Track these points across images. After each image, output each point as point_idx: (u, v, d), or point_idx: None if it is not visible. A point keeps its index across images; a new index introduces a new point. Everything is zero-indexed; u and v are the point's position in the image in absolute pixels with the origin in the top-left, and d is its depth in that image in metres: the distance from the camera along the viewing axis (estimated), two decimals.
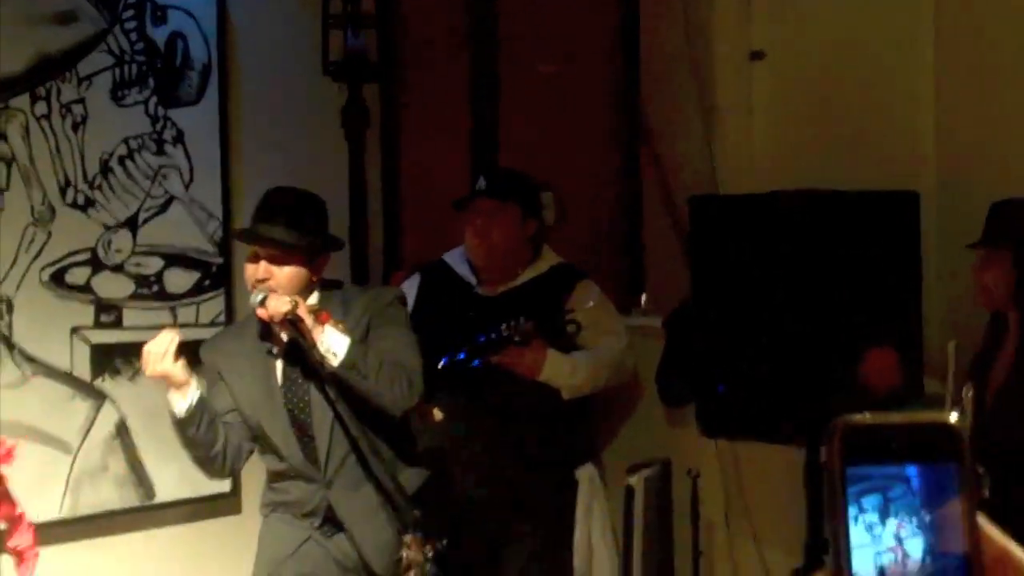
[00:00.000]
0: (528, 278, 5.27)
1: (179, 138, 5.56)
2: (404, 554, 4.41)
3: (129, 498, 5.39)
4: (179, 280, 5.52)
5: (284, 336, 4.35)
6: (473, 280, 5.29)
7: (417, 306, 5.29)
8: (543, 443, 5.18)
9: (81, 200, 5.25)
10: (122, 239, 5.40)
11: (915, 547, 0.91)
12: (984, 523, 0.92)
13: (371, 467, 4.44)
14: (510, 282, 5.25)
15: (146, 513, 5.47)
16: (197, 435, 4.30)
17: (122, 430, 5.36)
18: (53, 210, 5.17)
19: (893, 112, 4.99)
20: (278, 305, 4.20)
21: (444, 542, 4.54)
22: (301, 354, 4.34)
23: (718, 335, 4.81)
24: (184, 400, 4.25)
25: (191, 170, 5.59)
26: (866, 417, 0.92)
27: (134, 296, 5.42)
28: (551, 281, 5.25)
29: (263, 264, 4.30)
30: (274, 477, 4.55)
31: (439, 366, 4.98)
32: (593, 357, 5.16)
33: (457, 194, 5.32)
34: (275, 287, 4.28)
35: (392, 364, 4.34)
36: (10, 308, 5.05)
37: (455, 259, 5.37)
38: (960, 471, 0.92)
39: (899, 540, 0.91)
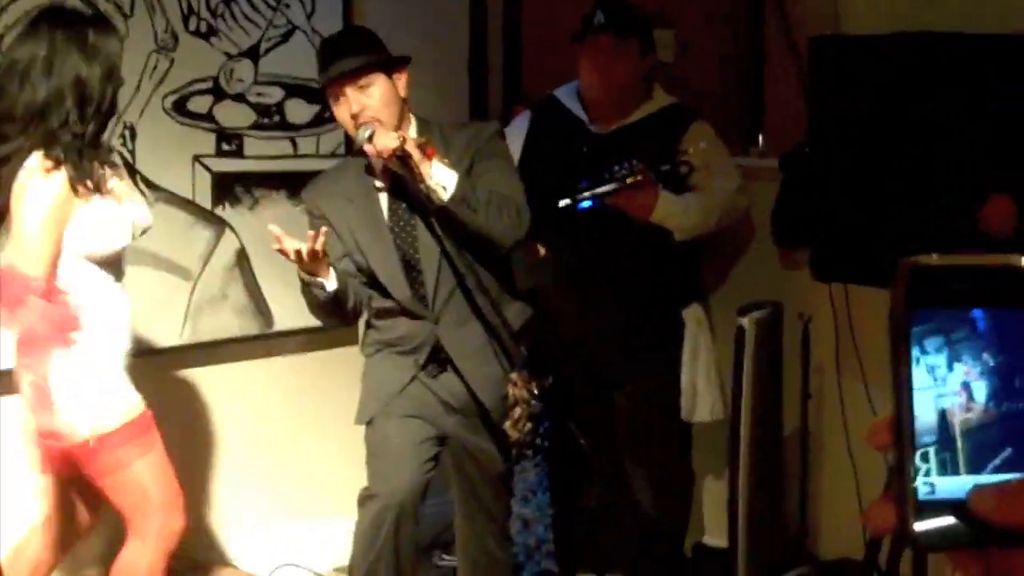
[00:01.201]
0: (641, 116, 5.22)
1: None
2: (511, 391, 4.47)
3: (248, 326, 5.50)
4: (300, 111, 5.56)
5: (390, 172, 4.39)
6: (585, 117, 5.25)
7: (528, 143, 5.29)
8: (652, 283, 5.19)
9: (204, 28, 5.27)
10: (244, 68, 5.44)
11: (979, 391, 0.91)
12: None
13: (477, 303, 4.48)
14: (623, 119, 5.21)
15: (265, 341, 5.58)
16: (341, 304, 4.37)
17: (242, 258, 5.44)
18: (176, 37, 5.20)
19: None
20: (386, 141, 4.21)
21: (550, 380, 4.60)
22: (407, 190, 4.39)
23: (835, 177, 4.76)
24: (331, 279, 4.29)
25: (313, 0, 5.59)
26: (933, 258, 0.91)
27: (255, 126, 5.47)
28: (664, 120, 5.21)
29: (351, 97, 4.31)
30: (379, 315, 4.59)
31: (561, 204, 4.97)
32: (705, 198, 5.14)
33: (579, 28, 5.27)
34: (374, 116, 4.31)
35: (500, 196, 4.37)
36: (133, 135, 5.10)
37: (566, 95, 5.32)
38: None
39: (964, 384, 0.91)
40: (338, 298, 4.34)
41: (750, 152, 5.75)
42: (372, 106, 4.33)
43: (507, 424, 4.59)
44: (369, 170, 4.44)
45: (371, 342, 4.66)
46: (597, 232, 5.07)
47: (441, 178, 4.25)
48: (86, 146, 3.98)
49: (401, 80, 4.44)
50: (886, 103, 4.57)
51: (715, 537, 5.65)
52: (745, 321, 4.97)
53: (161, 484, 4.19)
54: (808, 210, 4.94)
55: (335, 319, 4.53)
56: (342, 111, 4.37)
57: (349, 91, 4.33)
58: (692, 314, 5.31)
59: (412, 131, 4.42)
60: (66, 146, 3.93)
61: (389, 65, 4.43)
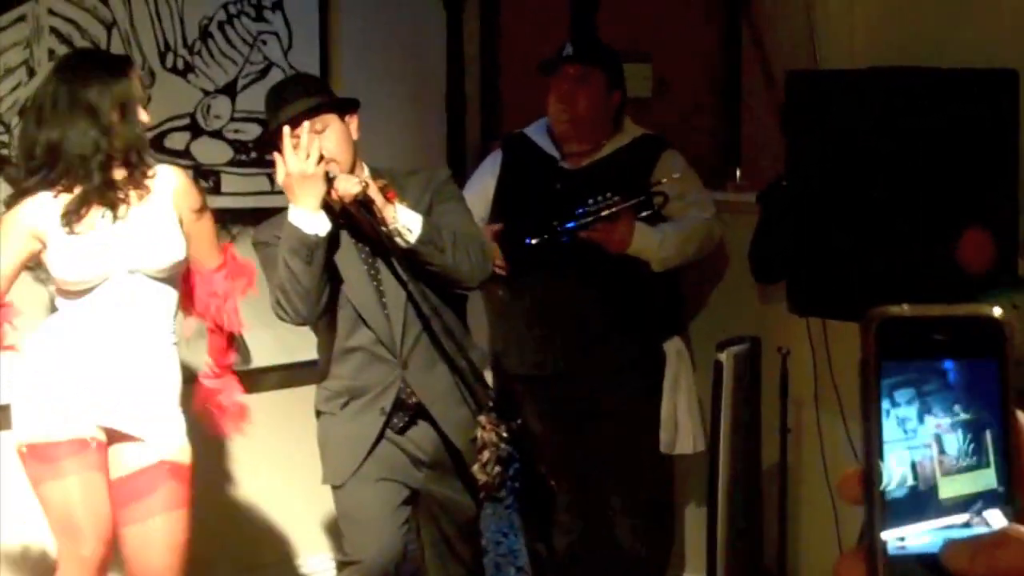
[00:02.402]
0: (612, 150, 5.24)
1: (278, 4, 5.57)
2: (479, 434, 4.46)
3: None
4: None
5: (346, 215, 4.35)
6: (557, 153, 5.27)
7: (501, 181, 5.31)
8: (631, 316, 5.20)
9: (180, 65, 5.29)
10: (221, 105, 5.44)
11: (950, 444, 0.90)
12: None
13: (444, 346, 4.46)
14: (594, 154, 5.23)
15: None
16: (321, 260, 4.22)
17: None
18: (153, 75, 5.21)
19: None
20: (348, 186, 4.20)
21: (518, 422, 4.58)
22: (364, 234, 4.37)
23: (812, 211, 4.77)
24: (326, 221, 4.22)
25: (290, 36, 5.60)
26: (904, 308, 0.90)
27: (232, 162, 5.48)
28: (636, 152, 5.23)
29: (307, 138, 4.22)
30: (342, 357, 4.47)
31: (527, 243, 4.99)
32: (682, 228, 5.16)
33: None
34: (330, 157, 4.27)
35: (464, 236, 4.37)
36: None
37: (536, 132, 5.34)
38: (1001, 367, 0.90)
39: (935, 436, 0.90)
40: (322, 246, 4.23)
41: (727, 186, 5.76)
42: (329, 148, 4.27)
43: (475, 467, 4.58)
44: (327, 211, 4.32)
45: (330, 395, 4.53)
46: (574, 266, 5.07)
47: (406, 220, 4.23)
48: (96, 185, 4.19)
49: (353, 123, 4.41)
50: (862, 137, 4.58)
51: (695, 572, 5.63)
52: (723, 356, 4.97)
53: (57, 513, 4.29)
54: (786, 244, 4.94)
55: (313, 285, 4.25)
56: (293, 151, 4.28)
57: (306, 133, 4.28)
58: (672, 346, 5.31)
59: (365, 175, 4.37)
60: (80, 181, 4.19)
61: (343, 107, 4.40)
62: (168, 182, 4.33)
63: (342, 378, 4.50)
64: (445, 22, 6.07)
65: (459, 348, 4.46)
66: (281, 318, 4.34)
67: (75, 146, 4.17)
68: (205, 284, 4.47)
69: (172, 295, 4.35)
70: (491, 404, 4.51)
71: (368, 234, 4.34)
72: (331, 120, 4.32)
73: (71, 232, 4.19)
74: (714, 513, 5.01)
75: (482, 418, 4.43)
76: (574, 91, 5.16)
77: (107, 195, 4.21)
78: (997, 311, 0.90)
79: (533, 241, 5.01)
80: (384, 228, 4.22)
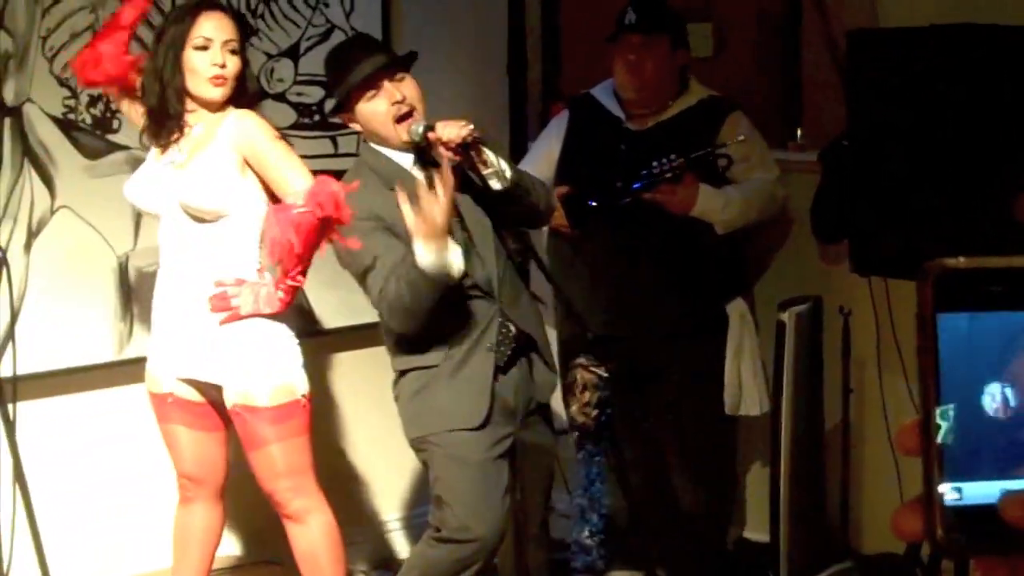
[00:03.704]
0: (678, 111, 5.23)
1: None
2: (579, 375, 4.44)
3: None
4: None
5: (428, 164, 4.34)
6: (622, 114, 5.26)
7: (567, 142, 5.31)
8: (694, 278, 5.20)
9: None
10: (284, 68, 5.47)
11: (1009, 396, 0.90)
12: None
13: (519, 282, 4.49)
14: (660, 115, 5.22)
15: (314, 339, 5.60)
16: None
17: None
18: None
19: None
20: (453, 132, 4.17)
21: (612, 366, 4.56)
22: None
23: (873, 170, 4.75)
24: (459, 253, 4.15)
25: None
26: (960, 261, 0.90)
27: (296, 125, 5.49)
28: (701, 113, 5.21)
29: (389, 88, 4.30)
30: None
31: (591, 204, 5.00)
32: (745, 191, 5.15)
33: (613, 27, 5.27)
34: (413, 104, 4.32)
35: (534, 177, 4.44)
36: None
37: (602, 93, 5.33)
38: None
39: (992, 388, 0.90)
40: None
41: (788, 146, 5.74)
42: (412, 96, 4.33)
43: (574, 408, 4.55)
44: (421, 160, 4.35)
45: (424, 348, 4.38)
46: (639, 227, 5.07)
47: (499, 162, 4.24)
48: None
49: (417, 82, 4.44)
50: (924, 96, 4.56)
51: (757, 532, 5.64)
52: (785, 316, 4.96)
53: None
54: (847, 204, 4.93)
55: (430, 314, 4.22)
56: (378, 104, 4.32)
57: (387, 84, 4.33)
58: (736, 308, 5.31)
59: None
60: None
61: (409, 63, 4.44)
62: (229, 126, 4.36)
63: (437, 327, 4.34)
64: None
65: (527, 284, 4.48)
66: (390, 329, 4.39)
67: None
68: (278, 212, 4.25)
69: (240, 238, 4.35)
70: (589, 345, 4.47)
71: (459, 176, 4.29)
72: (406, 74, 4.37)
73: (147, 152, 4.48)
74: (777, 473, 5.01)
75: (582, 359, 4.39)
76: (640, 60, 5.14)
77: (159, 130, 4.38)
78: None
79: (595, 203, 5.01)
80: (484, 171, 4.22)
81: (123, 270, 5.11)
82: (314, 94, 5.50)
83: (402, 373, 4.49)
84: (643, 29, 5.13)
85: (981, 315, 0.90)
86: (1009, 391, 0.90)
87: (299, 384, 4.44)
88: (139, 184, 4.44)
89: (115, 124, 5.06)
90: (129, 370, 5.07)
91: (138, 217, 5.02)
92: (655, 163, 4.94)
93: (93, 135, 5.04)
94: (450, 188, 4.03)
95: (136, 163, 4.82)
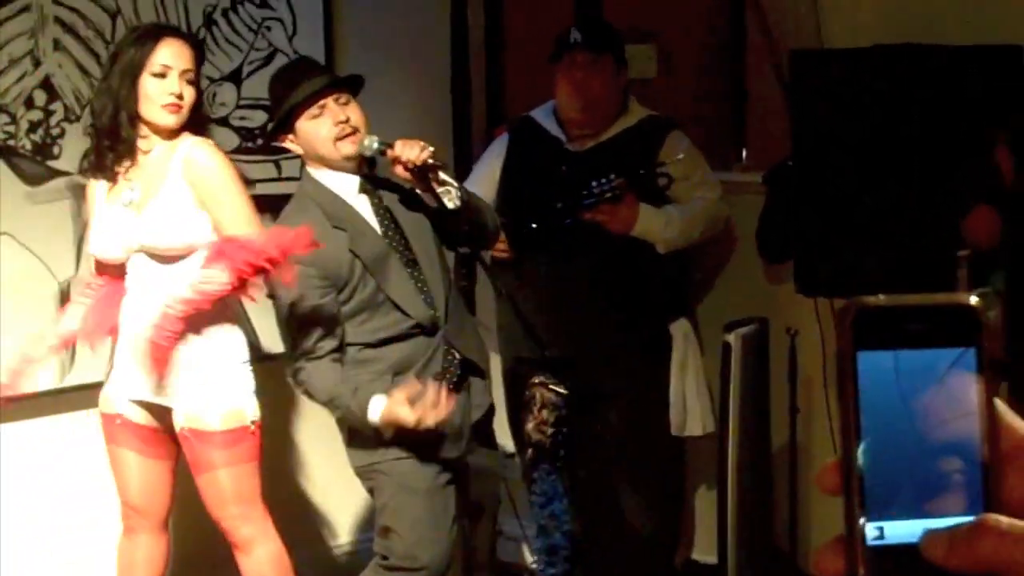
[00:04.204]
0: (618, 131, 5.23)
1: None
2: (537, 393, 4.43)
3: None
4: None
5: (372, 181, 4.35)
6: (562, 136, 5.25)
7: (507, 164, 5.30)
8: (636, 299, 5.20)
9: None
10: (227, 92, 5.44)
11: (928, 433, 0.89)
12: (1004, 409, 0.90)
13: (462, 304, 4.50)
14: (600, 136, 5.22)
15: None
16: None
17: None
18: None
19: None
20: (412, 152, 4.18)
21: (569, 384, 4.55)
22: (399, 199, 4.38)
23: (818, 191, 4.77)
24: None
25: (294, 22, 5.59)
26: (880, 299, 0.89)
27: (239, 149, 5.46)
28: (641, 133, 5.22)
29: (334, 109, 4.30)
30: (381, 346, 4.36)
31: (532, 226, 5.00)
32: (687, 210, 5.15)
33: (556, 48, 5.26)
34: (358, 126, 4.32)
35: (478, 197, 4.46)
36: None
37: (542, 115, 5.33)
38: (979, 355, 0.90)
39: (913, 426, 0.90)
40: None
41: (734, 167, 5.75)
42: (357, 119, 4.32)
43: (530, 426, 4.54)
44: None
45: (372, 376, 4.32)
46: (580, 249, 5.06)
47: (452, 182, 4.24)
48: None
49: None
50: (868, 116, 4.58)
51: (705, 553, 5.64)
52: (731, 337, 4.96)
53: None
54: (792, 224, 4.94)
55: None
56: (321, 124, 4.30)
57: (332, 104, 4.31)
58: (679, 328, 5.32)
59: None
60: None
61: (355, 85, 4.44)
62: (181, 157, 4.32)
63: (382, 360, 4.35)
64: (449, 6, 6.06)
65: (468, 305, 4.52)
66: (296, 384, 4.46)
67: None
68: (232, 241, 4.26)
69: (200, 260, 4.31)
70: (546, 363, 4.48)
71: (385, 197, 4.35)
72: (348, 96, 4.36)
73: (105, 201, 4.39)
74: (724, 494, 5.01)
75: (540, 377, 4.39)
76: (586, 79, 5.13)
77: (107, 156, 4.33)
78: (974, 299, 0.90)
79: (535, 226, 5.01)
80: (439, 189, 4.21)
81: (64, 296, 5.06)
82: (257, 118, 5.48)
83: None
84: (590, 47, 5.12)
85: (901, 353, 0.89)
86: (930, 429, 0.89)
87: (249, 410, 4.43)
88: (102, 236, 4.40)
89: (55, 150, 5.02)
90: (71, 397, 5.03)
91: (79, 243, 4.98)
92: (595, 183, 4.94)
93: (33, 161, 4.99)
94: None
95: (77, 189, 4.79)
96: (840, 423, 0.90)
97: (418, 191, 4.33)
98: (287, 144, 4.43)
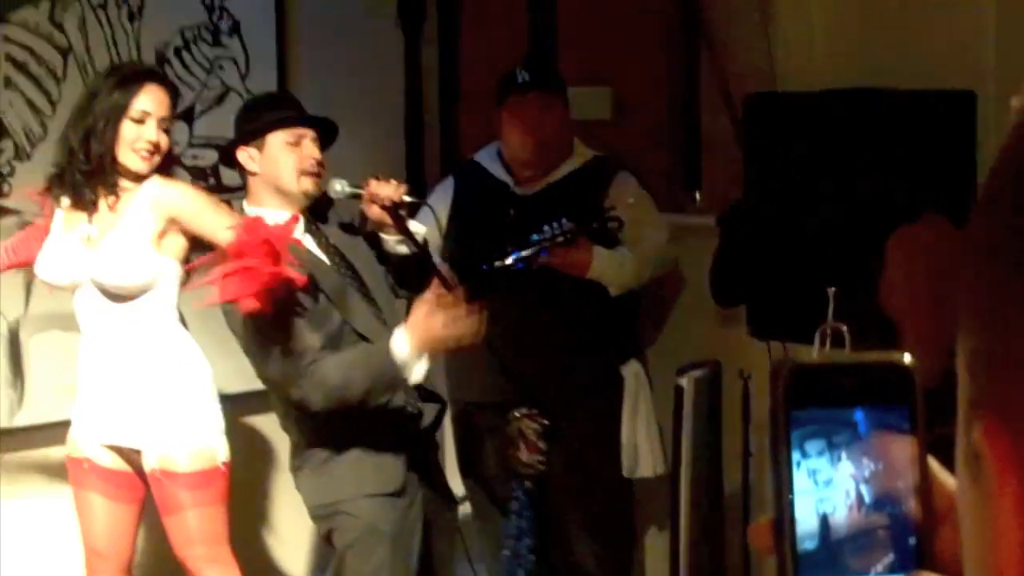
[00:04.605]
0: (565, 173, 5.22)
1: (235, 29, 5.55)
2: (520, 425, 4.41)
3: None
4: (235, 173, 5.50)
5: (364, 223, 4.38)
6: (509, 179, 5.24)
7: (454, 210, 5.27)
8: (587, 340, 5.18)
9: None
10: (178, 131, 5.40)
11: (861, 495, 0.89)
12: (936, 468, 0.90)
13: None
14: (547, 178, 5.21)
15: None
16: None
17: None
18: None
19: (956, 7, 4.90)
20: (388, 190, 4.21)
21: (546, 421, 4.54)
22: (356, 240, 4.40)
23: (771, 235, 4.77)
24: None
25: (247, 61, 5.58)
26: (812, 357, 0.89)
27: None
28: (588, 175, 5.21)
29: (308, 147, 4.32)
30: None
31: (482, 268, 4.97)
32: (638, 252, 5.15)
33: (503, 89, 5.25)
34: (320, 169, 4.33)
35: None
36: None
37: (487, 159, 5.31)
38: (911, 413, 0.89)
39: (846, 487, 0.89)
40: None
41: (687, 209, 5.76)
42: (320, 159, 4.33)
43: (525, 457, 4.52)
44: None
45: (333, 416, 4.25)
46: (529, 292, 5.05)
47: (416, 224, 4.28)
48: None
49: None
50: (821, 160, 4.59)
51: None
52: (684, 380, 4.95)
53: None
54: (745, 268, 4.95)
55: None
56: (289, 158, 4.28)
57: (309, 140, 4.30)
58: (630, 370, 5.31)
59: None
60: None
61: (334, 133, 4.47)
62: (147, 195, 4.33)
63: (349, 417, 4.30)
64: (403, 48, 6.06)
65: None
66: (303, 404, 4.23)
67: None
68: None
69: (159, 310, 4.35)
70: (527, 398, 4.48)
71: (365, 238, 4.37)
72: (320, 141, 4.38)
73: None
74: (676, 537, 4.99)
75: (523, 410, 4.39)
76: (539, 119, 5.11)
77: (84, 190, 4.32)
78: (907, 358, 0.89)
79: (486, 267, 4.98)
80: (405, 232, 4.25)
81: (14, 337, 5.01)
82: (208, 157, 5.45)
83: (309, 443, 4.40)
84: (541, 87, 5.11)
85: (834, 411, 0.88)
86: (863, 487, 0.88)
87: (220, 450, 4.44)
88: (52, 262, 4.40)
89: (4, 188, 4.98)
90: (20, 438, 4.98)
91: (29, 283, 4.93)
92: (546, 227, 4.91)
93: None
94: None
95: (25, 227, 4.75)
96: (772, 482, 0.89)
97: (382, 233, 4.35)
98: (243, 157, 4.37)
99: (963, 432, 0.76)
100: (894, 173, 4.45)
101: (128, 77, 4.39)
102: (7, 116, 4.99)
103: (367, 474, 4.33)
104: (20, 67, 5.00)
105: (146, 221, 4.27)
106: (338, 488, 4.35)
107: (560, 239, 4.92)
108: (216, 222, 4.23)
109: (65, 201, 4.37)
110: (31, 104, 5.04)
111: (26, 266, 4.56)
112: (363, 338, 4.28)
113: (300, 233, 4.33)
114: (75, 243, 4.34)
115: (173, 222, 4.33)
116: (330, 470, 4.35)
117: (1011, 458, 0.72)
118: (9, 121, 4.99)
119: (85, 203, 4.32)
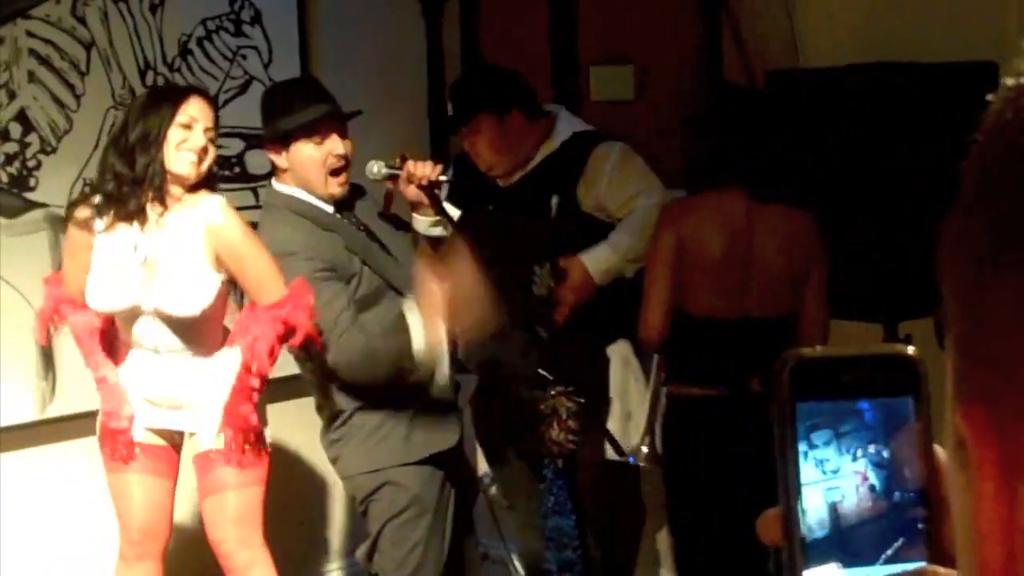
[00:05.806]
0: (540, 158, 5.15)
1: (257, 18, 5.56)
2: (559, 404, 4.42)
3: None
4: (260, 161, 5.49)
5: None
6: None
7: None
8: (577, 320, 5.07)
9: (161, 83, 5.27)
10: None
11: (869, 484, 0.89)
12: (943, 457, 0.90)
13: None
14: (525, 167, 5.16)
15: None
16: None
17: None
18: (133, 93, 5.19)
19: None
20: (428, 169, 4.28)
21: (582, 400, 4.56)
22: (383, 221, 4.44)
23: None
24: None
25: (270, 50, 5.60)
26: (817, 350, 0.90)
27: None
28: (565, 154, 5.11)
29: (337, 140, 4.35)
30: None
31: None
32: (631, 227, 5.03)
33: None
34: (349, 168, 4.35)
35: None
36: (94, 191, 5.09)
37: None
38: (916, 404, 0.90)
39: (853, 477, 0.90)
40: None
41: None
42: (351, 151, 4.37)
43: (559, 435, 4.54)
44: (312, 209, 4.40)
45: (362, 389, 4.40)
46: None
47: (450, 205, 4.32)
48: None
49: None
50: (845, 135, 4.58)
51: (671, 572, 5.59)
52: None
53: None
54: None
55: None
56: (315, 158, 4.32)
57: (336, 136, 4.33)
58: (618, 351, 5.22)
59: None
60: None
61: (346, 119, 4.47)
62: (201, 221, 4.29)
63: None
64: (425, 33, 6.06)
65: None
66: (338, 368, 4.32)
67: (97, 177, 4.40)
68: (249, 314, 4.32)
69: (210, 321, 4.38)
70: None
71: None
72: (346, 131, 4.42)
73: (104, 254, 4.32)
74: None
75: (559, 388, 4.41)
76: (475, 148, 5.10)
77: (131, 199, 4.27)
78: (911, 349, 0.90)
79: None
80: (441, 211, 4.31)
81: None
82: (233, 146, 5.47)
83: (357, 411, 4.44)
84: (460, 123, 5.11)
85: (839, 403, 0.89)
86: (872, 475, 0.89)
87: (265, 436, 4.45)
88: (106, 290, 4.31)
89: (32, 182, 5.01)
90: (52, 429, 5.01)
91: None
92: (532, 284, 4.92)
93: (10, 193, 4.98)
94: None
95: (55, 220, 4.77)
96: (779, 474, 0.89)
97: (418, 213, 4.41)
98: (273, 156, 4.42)
99: (949, 418, 0.77)
100: (918, 147, 4.43)
101: (172, 89, 4.45)
102: (31, 110, 5.01)
103: (417, 440, 4.39)
104: (44, 61, 5.02)
105: (203, 245, 4.26)
106: (390, 453, 4.40)
107: (551, 284, 4.91)
108: (259, 277, 4.25)
109: (100, 224, 4.29)
110: (55, 98, 5.06)
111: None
112: (400, 294, 4.34)
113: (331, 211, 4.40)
114: (131, 266, 4.27)
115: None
116: (383, 435, 4.40)
117: (990, 443, 0.73)
118: (34, 115, 5.02)
119: (132, 213, 4.25)
